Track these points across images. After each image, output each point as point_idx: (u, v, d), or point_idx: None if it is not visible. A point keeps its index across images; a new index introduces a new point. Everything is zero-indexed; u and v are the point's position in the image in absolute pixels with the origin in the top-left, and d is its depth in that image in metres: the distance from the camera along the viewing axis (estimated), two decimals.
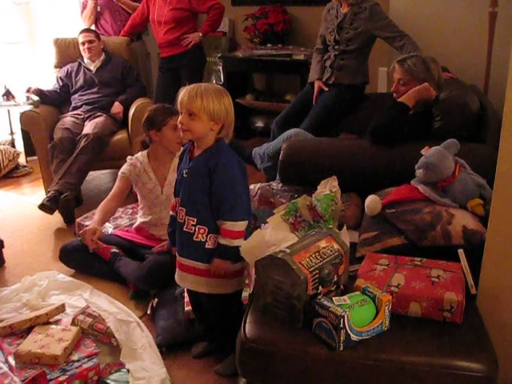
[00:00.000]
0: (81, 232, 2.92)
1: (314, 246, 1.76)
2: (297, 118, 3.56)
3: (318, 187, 2.33)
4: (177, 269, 2.11)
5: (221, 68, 5.34)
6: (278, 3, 5.05)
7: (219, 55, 5.30)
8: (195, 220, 1.99)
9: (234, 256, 1.98)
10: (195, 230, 1.99)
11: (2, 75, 4.62)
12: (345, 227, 2.07)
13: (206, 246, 1.99)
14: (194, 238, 1.99)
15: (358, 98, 3.54)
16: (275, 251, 1.73)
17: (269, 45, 4.99)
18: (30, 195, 4.19)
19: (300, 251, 1.72)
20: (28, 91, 3.88)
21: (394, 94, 2.80)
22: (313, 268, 1.67)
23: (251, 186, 2.92)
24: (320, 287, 1.69)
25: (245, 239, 1.99)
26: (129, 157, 2.99)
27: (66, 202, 3.47)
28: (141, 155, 2.96)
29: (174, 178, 2.76)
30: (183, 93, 1.93)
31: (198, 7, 4.20)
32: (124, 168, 2.95)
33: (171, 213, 2.18)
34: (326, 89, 3.58)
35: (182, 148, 2.74)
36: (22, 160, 4.71)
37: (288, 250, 1.70)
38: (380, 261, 1.90)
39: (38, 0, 4.87)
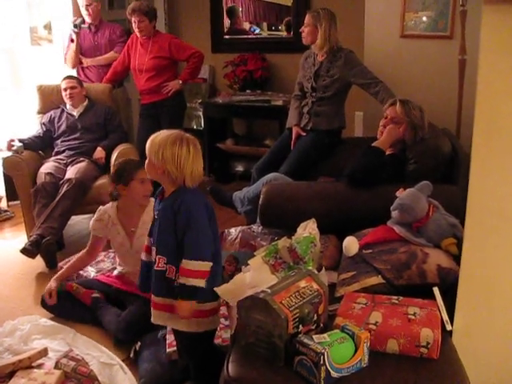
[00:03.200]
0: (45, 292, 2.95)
1: (294, 286, 1.82)
2: (276, 162, 3.65)
3: (298, 229, 2.40)
4: (152, 308, 2.12)
5: (201, 113, 5.45)
6: (256, 51, 5.21)
7: (200, 101, 5.42)
8: (165, 259, 2.03)
9: (193, 295, 1.99)
10: (166, 268, 2.03)
11: None
12: (323, 268, 2.14)
13: (175, 284, 2.02)
14: (167, 275, 2.03)
15: (335, 142, 3.65)
16: (256, 292, 1.78)
17: (248, 91, 5.13)
18: (12, 240, 4.19)
19: (280, 291, 1.77)
20: (9, 147, 3.91)
21: (380, 128, 2.91)
22: (293, 307, 1.72)
23: (232, 230, 2.99)
24: (300, 326, 1.74)
25: (212, 279, 2.03)
26: (98, 209, 3.02)
27: (47, 246, 3.49)
28: (110, 207, 2.98)
29: (142, 234, 2.82)
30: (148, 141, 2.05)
31: (178, 56, 4.32)
32: (91, 223, 3.00)
33: (142, 256, 2.21)
34: (304, 134, 3.69)
35: (150, 199, 2.84)
36: (3, 205, 4.71)
37: (269, 291, 1.75)
38: (358, 300, 1.96)
39: (23, 46, 4.96)
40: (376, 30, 4.18)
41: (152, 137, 2.04)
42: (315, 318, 1.80)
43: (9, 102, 4.94)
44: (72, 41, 4.53)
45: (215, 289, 2.07)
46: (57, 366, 2.39)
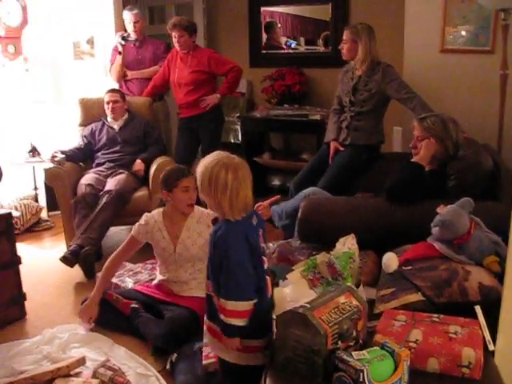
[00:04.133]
0: (79, 311, 2.98)
1: (334, 301, 1.81)
2: (314, 177, 3.64)
3: (337, 245, 2.39)
4: (206, 331, 2.10)
5: (239, 127, 5.49)
6: (293, 65, 5.23)
7: (237, 115, 5.46)
8: (212, 285, 1.96)
9: (233, 333, 1.88)
10: (213, 295, 1.96)
11: (28, 133, 4.78)
12: (362, 285, 2.12)
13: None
14: (214, 301, 1.96)
15: (373, 157, 3.63)
16: (295, 306, 1.78)
17: (286, 105, 5.14)
18: (51, 249, 4.27)
19: (320, 306, 1.76)
20: (52, 158, 4.00)
21: (413, 150, 2.89)
22: (332, 323, 1.71)
23: (270, 244, 2.98)
24: (339, 342, 1.72)
25: (255, 316, 1.88)
26: (145, 214, 3.06)
27: (86, 256, 3.55)
28: (157, 213, 3.03)
29: (187, 237, 2.88)
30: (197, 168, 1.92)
31: (217, 70, 4.37)
32: (134, 228, 3.02)
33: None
34: (342, 149, 3.68)
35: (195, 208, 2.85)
36: (43, 215, 4.81)
37: (308, 306, 1.75)
38: (398, 317, 1.93)
39: (65, 61, 5.09)
40: (416, 44, 4.16)
41: (200, 170, 1.92)
42: (354, 334, 1.78)
43: (52, 114, 5.07)
44: (119, 53, 4.62)
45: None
46: (94, 375, 2.41)
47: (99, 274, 3.43)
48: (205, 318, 2.08)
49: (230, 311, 1.86)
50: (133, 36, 4.66)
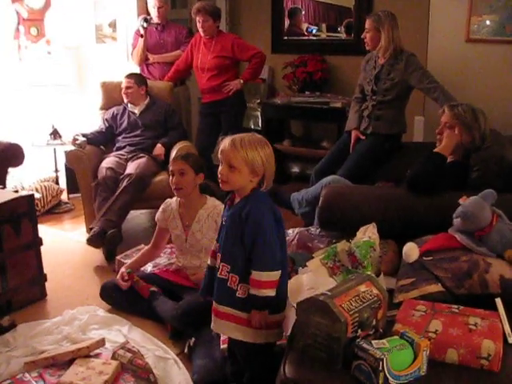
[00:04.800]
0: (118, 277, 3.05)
1: (354, 290, 1.81)
2: (335, 165, 3.64)
3: (357, 233, 2.39)
4: (213, 316, 2.10)
5: (259, 114, 5.47)
6: (316, 52, 5.20)
7: (258, 101, 5.45)
8: (228, 267, 2.00)
9: (266, 306, 1.96)
10: (229, 277, 2.00)
11: (50, 115, 4.82)
12: (382, 274, 2.12)
13: (237, 295, 2.00)
14: (228, 284, 2.00)
15: (394, 146, 3.61)
16: (316, 294, 1.78)
17: (307, 92, 5.12)
18: (71, 231, 4.32)
19: (340, 295, 1.76)
20: (73, 141, 4.03)
21: (438, 136, 2.86)
22: (353, 311, 1.71)
23: (289, 231, 2.99)
24: (359, 330, 1.73)
25: (279, 288, 1.98)
26: (166, 200, 3.11)
27: (112, 238, 3.59)
28: (175, 200, 3.05)
29: (197, 230, 2.91)
30: (225, 144, 1.94)
31: (241, 55, 4.36)
32: (157, 214, 3.09)
33: (208, 261, 2.21)
34: (363, 137, 3.66)
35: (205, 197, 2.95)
36: (64, 197, 4.86)
37: (329, 293, 1.75)
38: (417, 307, 1.93)
39: (87, 44, 5.11)
40: (440, 33, 4.12)
41: (228, 143, 1.94)
42: (374, 323, 1.79)
43: (73, 97, 5.10)
44: (141, 36, 4.62)
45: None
46: (114, 356, 2.44)
47: (118, 257, 3.48)
48: (214, 305, 2.09)
49: (266, 282, 1.93)
50: (155, 20, 4.65)
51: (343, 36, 5.27)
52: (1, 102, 4.65)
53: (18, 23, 4.69)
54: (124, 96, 4.23)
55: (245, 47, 4.36)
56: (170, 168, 2.95)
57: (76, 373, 2.33)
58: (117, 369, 2.36)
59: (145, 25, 4.53)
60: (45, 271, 3.23)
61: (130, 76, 4.30)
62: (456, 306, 1.92)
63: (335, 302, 1.71)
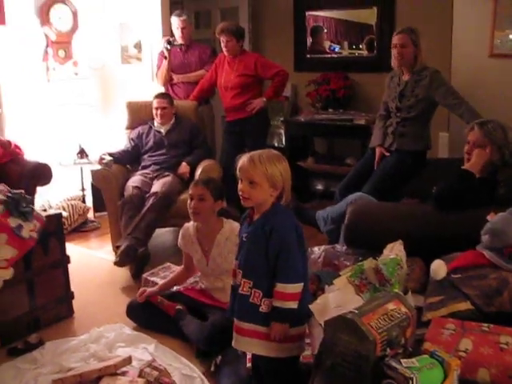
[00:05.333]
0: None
1: (382, 308, 1.79)
2: (359, 183, 3.63)
3: (384, 251, 2.38)
4: (234, 333, 2.12)
5: (283, 131, 5.51)
6: (338, 69, 5.22)
7: (282, 119, 5.48)
8: (251, 282, 2.03)
9: (290, 318, 2.00)
10: (251, 293, 2.03)
11: (77, 135, 4.90)
12: (410, 291, 2.10)
13: (260, 310, 2.02)
14: (251, 300, 2.03)
15: (419, 163, 3.59)
16: (344, 312, 1.77)
17: (330, 110, 5.14)
18: (97, 249, 4.36)
19: (368, 313, 1.75)
20: (99, 160, 4.08)
21: (466, 155, 2.84)
22: (381, 330, 1.70)
23: (315, 249, 2.98)
24: (388, 349, 1.71)
25: (301, 301, 2.02)
26: (184, 225, 3.10)
27: (143, 257, 3.64)
28: (191, 225, 3.04)
29: (217, 254, 2.89)
30: (244, 161, 2.00)
31: (264, 74, 4.39)
32: (178, 240, 3.09)
33: (231, 281, 2.22)
34: (388, 154, 3.65)
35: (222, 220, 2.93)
36: (90, 215, 4.91)
37: (357, 311, 1.74)
38: (447, 325, 1.90)
39: (113, 64, 5.20)
40: (464, 48, 4.11)
41: (246, 159, 1.99)
42: (403, 341, 1.76)
43: (100, 117, 5.19)
44: (165, 58, 4.69)
45: (310, 306, 2.06)
46: (140, 374, 2.44)
47: (145, 275, 3.50)
48: (235, 322, 2.11)
49: (290, 294, 1.99)
50: (179, 41, 4.71)
51: (365, 53, 5.29)
52: (30, 122, 4.74)
53: (47, 46, 4.79)
54: (158, 116, 4.27)
55: (267, 65, 4.39)
56: (190, 191, 2.94)
57: None
58: None
59: (168, 46, 4.60)
60: (74, 288, 3.26)
61: (163, 96, 4.34)
62: (486, 325, 1.89)
63: (363, 320, 1.69)
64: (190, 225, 3.06)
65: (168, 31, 4.81)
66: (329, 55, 5.51)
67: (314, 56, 5.59)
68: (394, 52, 3.62)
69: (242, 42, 4.38)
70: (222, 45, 4.34)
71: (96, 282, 3.70)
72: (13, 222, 2.36)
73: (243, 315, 2.08)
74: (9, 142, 4.09)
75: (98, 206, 4.84)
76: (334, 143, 5.56)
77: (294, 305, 1.99)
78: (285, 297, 1.98)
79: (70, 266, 3.26)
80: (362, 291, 2.25)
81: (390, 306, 1.81)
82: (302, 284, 2.01)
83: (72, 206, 4.67)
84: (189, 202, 2.92)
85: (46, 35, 4.76)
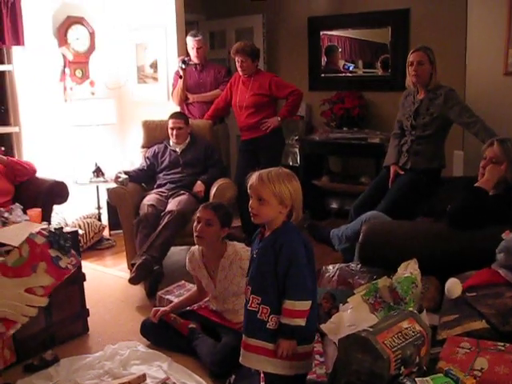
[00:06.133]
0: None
1: (397, 326, 1.79)
2: (374, 201, 3.62)
3: (399, 269, 2.37)
4: (242, 349, 2.12)
5: (298, 150, 5.53)
6: (353, 88, 5.25)
7: (296, 138, 5.50)
8: (259, 299, 2.04)
9: (298, 335, 2.00)
10: (259, 309, 2.04)
11: (94, 153, 4.96)
12: (424, 310, 2.09)
13: (268, 326, 2.02)
14: (258, 316, 2.04)
15: (433, 182, 3.59)
16: (358, 330, 1.77)
17: (345, 128, 5.15)
18: (112, 267, 4.38)
19: (383, 331, 1.75)
20: (115, 179, 4.13)
21: (481, 170, 2.84)
22: (396, 348, 1.70)
23: (330, 267, 2.98)
24: (402, 368, 1.70)
25: (309, 318, 2.01)
26: (190, 250, 3.11)
27: (157, 275, 3.65)
28: (197, 249, 3.04)
29: (223, 278, 2.89)
30: (253, 179, 2.03)
31: (278, 93, 4.42)
32: (186, 265, 3.10)
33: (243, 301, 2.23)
34: (402, 172, 3.65)
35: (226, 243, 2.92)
36: (105, 233, 4.95)
37: (371, 330, 1.74)
38: (462, 344, 1.89)
39: (130, 85, 5.27)
40: (478, 67, 4.11)
41: (255, 177, 2.03)
42: (417, 360, 1.76)
43: (116, 136, 5.25)
44: (180, 77, 4.74)
45: (322, 326, 2.06)
46: None
47: (159, 293, 3.51)
48: (243, 338, 2.11)
49: (299, 311, 1.98)
50: (195, 61, 4.77)
51: (380, 72, 5.31)
52: (47, 141, 4.81)
53: (64, 66, 4.87)
54: (173, 137, 4.29)
55: (282, 85, 4.43)
56: (198, 214, 2.93)
57: None
58: None
59: (183, 66, 4.65)
60: (89, 305, 3.28)
61: (179, 116, 4.37)
62: (502, 344, 1.88)
63: (377, 339, 1.69)
64: (195, 249, 3.06)
65: (184, 51, 4.87)
66: (343, 74, 5.54)
67: (328, 75, 5.63)
68: (409, 70, 3.63)
69: (257, 62, 4.42)
70: (238, 65, 4.39)
71: (111, 299, 3.71)
72: (52, 252, 2.45)
73: (251, 331, 2.08)
74: (8, 159, 4.12)
75: (114, 224, 4.87)
76: (348, 162, 5.57)
77: (302, 322, 1.99)
78: (293, 314, 1.98)
79: (86, 284, 3.28)
80: (377, 310, 2.25)
81: (405, 324, 1.81)
82: (311, 301, 2.01)
83: (88, 223, 4.71)
84: (195, 224, 2.92)
85: (64, 55, 4.85)
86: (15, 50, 4.51)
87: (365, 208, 3.56)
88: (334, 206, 5.40)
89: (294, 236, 2.05)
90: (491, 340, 1.93)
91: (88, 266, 4.36)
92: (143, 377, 2.58)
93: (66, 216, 4.77)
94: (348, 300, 2.32)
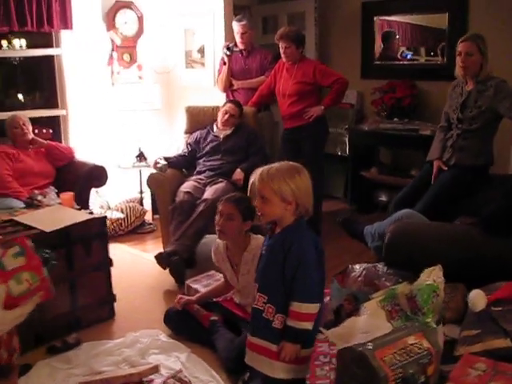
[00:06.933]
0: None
1: (401, 341, 1.66)
2: (416, 198, 3.42)
3: (421, 275, 2.21)
4: (246, 348, 2.09)
5: (347, 139, 5.35)
6: (408, 77, 5.01)
7: (346, 127, 5.32)
8: (266, 298, 1.99)
9: (303, 339, 1.94)
10: (265, 308, 1.99)
11: (139, 138, 4.97)
12: (441, 323, 1.93)
13: (273, 325, 1.97)
14: (264, 315, 1.99)
15: (479, 179, 3.36)
16: (357, 343, 1.65)
17: (395, 119, 4.93)
18: (152, 252, 4.36)
19: (385, 346, 1.63)
20: (154, 165, 4.12)
21: None
22: (396, 366, 1.57)
23: (356, 266, 2.83)
24: None
25: (315, 322, 1.95)
26: (215, 243, 3.05)
27: (175, 266, 3.61)
28: (221, 242, 2.98)
29: (246, 272, 2.81)
30: (254, 177, 1.97)
31: (322, 81, 4.26)
32: (212, 257, 3.05)
33: None
34: (445, 168, 3.44)
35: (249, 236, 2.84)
36: (148, 217, 4.96)
37: (371, 344, 1.61)
38: (477, 365, 1.73)
39: (178, 69, 5.24)
40: None
41: (262, 173, 1.97)
42: (422, 379, 1.63)
43: (162, 121, 5.24)
44: (224, 64, 4.67)
45: (327, 332, 1.97)
46: None
47: (187, 282, 3.48)
48: (248, 337, 2.07)
49: (306, 314, 1.95)
50: (241, 46, 4.67)
51: (439, 60, 5.04)
52: (93, 125, 4.85)
53: (112, 50, 4.90)
54: (222, 120, 4.24)
55: (326, 73, 4.26)
56: (219, 208, 2.86)
57: None
58: None
59: (228, 52, 4.57)
60: (118, 290, 3.29)
61: (238, 105, 4.32)
62: None
63: (375, 355, 1.57)
64: (220, 242, 3.00)
65: (231, 37, 4.78)
66: (398, 62, 5.29)
67: (383, 63, 5.39)
68: (458, 60, 3.40)
69: (301, 48, 4.26)
70: (281, 51, 4.25)
71: (143, 285, 3.72)
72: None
73: (255, 330, 2.05)
74: (48, 143, 4.17)
75: (156, 208, 4.87)
76: (398, 154, 5.34)
77: (309, 326, 1.93)
78: (300, 317, 1.92)
79: (120, 268, 3.28)
80: (394, 318, 2.10)
81: (411, 339, 1.68)
82: (319, 305, 1.95)
83: (130, 207, 4.74)
84: (217, 218, 2.86)
85: (112, 39, 4.87)
86: (63, 34, 4.57)
87: (405, 204, 3.38)
88: (383, 198, 5.20)
89: (305, 237, 1.99)
90: None
91: (126, 250, 4.40)
92: (156, 368, 2.56)
93: (109, 199, 4.81)
94: (364, 305, 2.18)
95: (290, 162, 2.04)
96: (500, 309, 1.99)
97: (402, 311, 2.10)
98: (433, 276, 2.16)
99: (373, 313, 2.14)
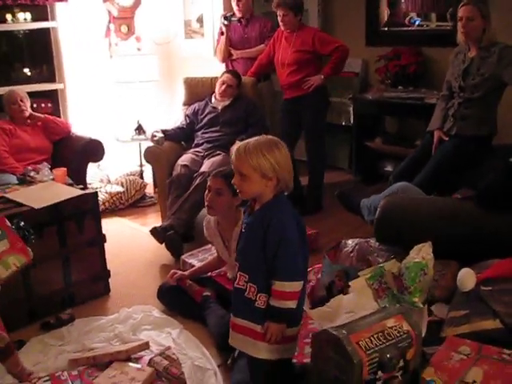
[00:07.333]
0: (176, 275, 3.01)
1: (379, 324, 1.60)
2: (415, 170, 3.33)
3: (411, 252, 2.15)
4: (230, 329, 2.03)
5: (351, 109, 5.22)
6: (412, 44, 4.84)
7: (350, 96, 5.19)
8: (247, 276, 1.92)
9: (287, 319, 1.87)
10: (247, 287, 1.92)
11: (138, 111, 4.90)
12: (426, 305, 1.86)
13: (256, 305, 1.91)
14: (246, 295, 1.92)
15: (482, 150, 3.25)
16: (333, 326, 1.59)
17: (400, 87, 4.79)
18: (152, 226, 4.33)
19: (361, 329, 1.57)
20: (151, 138, 4.06)
21: None
22: (372, 350, 1.51)
23: (349, 241, 2.77)
24: (379, 372, 1.51)
25: (299, 300, 1.88)
26: (206, 217, 3.01)
27: (171, 241, 3.57)
28: (212, 217, 2.94)
29: (236, 247, 2.74)
30: (233, 153, 1.91)
31: (321, 49, 4.13)
32: (204, 231, 3.02)
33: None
34: (446, 138, 3.33)
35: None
36: (149, 190, 4.92)
37: (345, 328, 1.55)
38: (461, 348, 1.67)
39: (177, 40, 5.12)
40: None
41: (239, 149, 1.90)
42: (401, 364, 1.56)
43: (162, 93, 5.16)
44: (222, 34, 4.55)
45: (311, 311, 1.92)
46: (150, 363, 2.40)
47: (183, 257, 3.44)
48: (231, 318, 2.01)
49: (289, 293, 1.86)
50: (238, 14, 4.54)
51: (449, 26, 4.84)
52: (91, 98, 4.78)
53: (109, 21, 4.80)
54: (220, 91, 4.16)
55: (326, 40, 4.13)
56: (208, 183, 2.81)
57: (109, 376, 2.33)
58: (150, 376, 2.32)
59: (225, 22, 4.45)
60: (116, 264, 3.28)
61: (235, 75, 4.23)
62: (509, 352, 1.63)
63: (351, 339, 1.51)
64: (211, 217, 2.96)
65: (229, 5, 4.64)
66: (406, 28, 5.10)
67: (390, 29, 5.20)
68: (459, 25, 3.27)
69: (300, 16, 4.12)
70: (279, 19, 4.12)
71: (140, 260, 3.69)
72: None
73: (237, 310, 1.98)
74: (45, 117, 4.11)
75: None
76: (404, 123, 5.19)
77: (292, 304, 1.85)
78: (283, 296, 1.85)
79: (118, 242, 3.25)
80: (381, 297, 2.05)
81: (390, 322, 1.62)
82: (302, 282, 1.87)
83: (130, 181, 4.69)
84: (206, 193, 2.80)
85: (109, 11, 4.76)
86: (59, 7, 4.48)
87: (406, 176, 3.29)
88: (388, 169, 5.06)
89: (285, 213, 1.90)
90: (500, 345, 1.69)
91: (126, 224, 4.37)
92: (145, 345, 2.56)
93: (109, 173, 4.77)
94: (350, 283, 2.12)
95: (268, 136, 1.95)
96: (490, 288, 1.92)
97: (389, 290, 2.04)
98: (422, 253, 2.10)
99: (360, 291, 2.09)
